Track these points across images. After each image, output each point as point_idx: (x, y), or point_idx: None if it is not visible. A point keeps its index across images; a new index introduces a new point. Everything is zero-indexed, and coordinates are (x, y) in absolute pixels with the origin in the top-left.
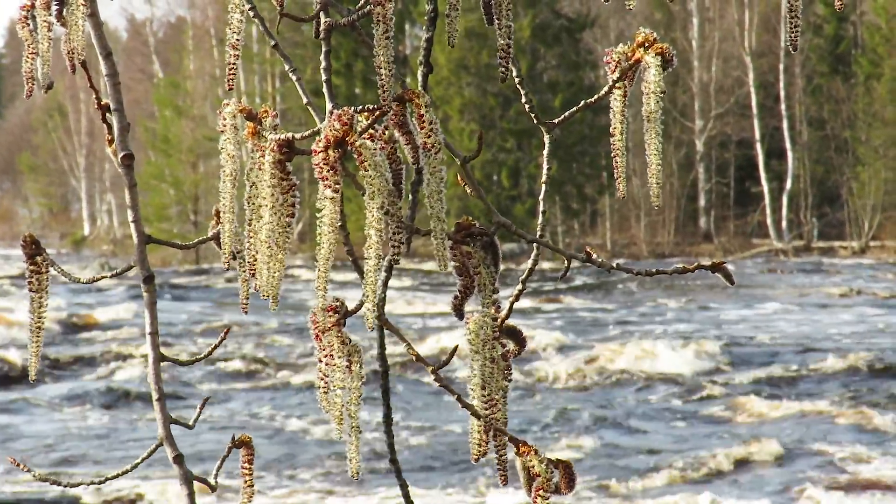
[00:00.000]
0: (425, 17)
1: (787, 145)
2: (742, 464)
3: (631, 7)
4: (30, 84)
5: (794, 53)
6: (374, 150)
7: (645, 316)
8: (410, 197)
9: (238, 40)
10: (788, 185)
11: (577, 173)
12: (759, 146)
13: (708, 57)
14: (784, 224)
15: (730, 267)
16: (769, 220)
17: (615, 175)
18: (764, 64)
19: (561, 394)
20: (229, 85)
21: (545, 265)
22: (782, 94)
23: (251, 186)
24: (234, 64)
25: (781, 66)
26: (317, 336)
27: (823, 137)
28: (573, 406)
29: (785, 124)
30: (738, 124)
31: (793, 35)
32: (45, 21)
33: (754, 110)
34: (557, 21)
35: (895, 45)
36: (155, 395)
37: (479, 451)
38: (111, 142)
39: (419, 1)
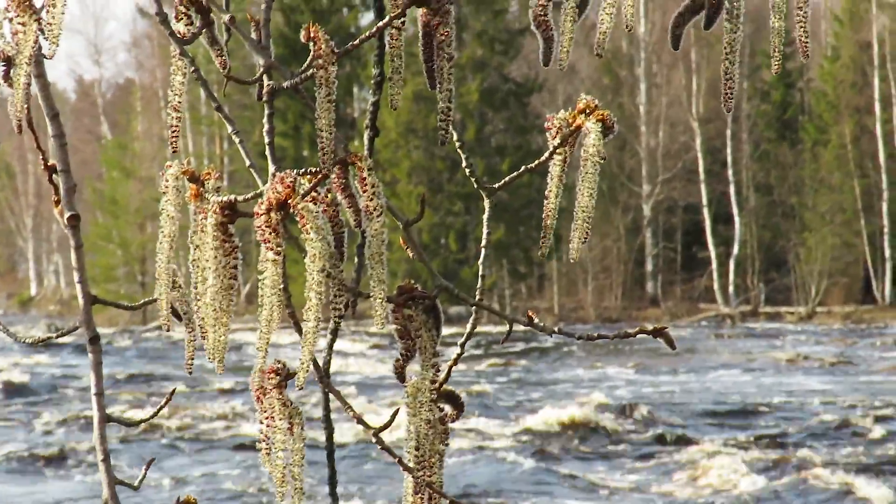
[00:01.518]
0: (371, 81)
1: (735, 210)
2: None
3: (562, 67)
4: None
5: (741, 118)
6: (317, 212)
7: (588, 380)
8: (356, 259)
9: (180, 102)
10: (735, 250)
11: (524, 237)
12: (706, 211)
13: (655, 122)
14: (731, 289)
15: (672, 332)
16: (716, 285)
17: (542, 236)
18: (711, 129)
19: (502, 453)
20: (173, 147)
21: (494, 328)
22: (729, 159)
23: (195, 249)
24: (176, 126)
25: (729, 132)
26: (258, 398)
27: (770, 203)
28: (514, 465)
29: (732, 189)
30: (685, 189)
31: (727, 96)
32: None
33: (701, 175)
34: (505, 85)
35: (842, 112)
36: (100, 456)
37: None
38: (58, 202)
39: (367, 64)
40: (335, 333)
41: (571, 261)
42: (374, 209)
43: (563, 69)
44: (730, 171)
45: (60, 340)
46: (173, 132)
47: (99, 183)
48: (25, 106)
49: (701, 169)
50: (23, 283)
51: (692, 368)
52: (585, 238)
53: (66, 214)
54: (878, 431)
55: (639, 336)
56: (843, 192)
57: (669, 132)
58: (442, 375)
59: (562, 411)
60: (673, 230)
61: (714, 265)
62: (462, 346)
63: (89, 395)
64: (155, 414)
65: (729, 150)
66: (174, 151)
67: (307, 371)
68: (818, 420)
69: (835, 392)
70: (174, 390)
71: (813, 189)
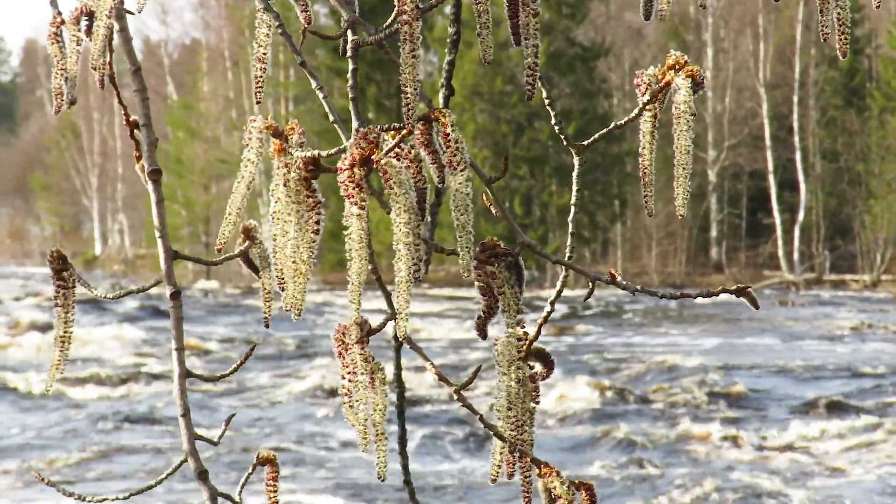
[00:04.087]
0: (448, 40)
1: (800, 177)
2: (759, 491)
3: (663, 17)
4: (58, 100)
5: (807, 84)
6: (400, 168)
7: (656, 345)
8: (430, 219)
9: (265, 54)
10: (801, 217)
11: (588, 201)
12: (771, 178)
13: (722, 88)
14: (796, 256)
15: (741, 298)
16: (781, 252)
17: (643, 194)
18: (778, 95)
19: (576, 418)
20: (257, 98)
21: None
22: (796, 125)
23: (276, 202)
24: (261, 77)
25: (795, 98)
26: (340, 353)
27: (836, 170)
28: (591, 431)
29: (798, 156)
30: (750, 156)
31: (842, 42)
32: (74, 36)
33: (767, 142)
34: (572, 49)
35: None
36: (180, 411)
37: (498, 473)
38: (139, 157)
39: (434, 26)
40: (410, 282)
41: (679, 217)
42: (459, 164)
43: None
44: (796, 138)
45: (130, 298)
46: (258, 83)
47: (164, 143)
48: (107, 60)
49: (767, 135)
50: (87, 243)
51: (756, 335)
52: (687, 196)
53: (148, 168)
54: None
55: (699, 303)
56: None
57: (736, 98)
58: (532, 333)
59: (625, 375)
60: (738, 196)
61: (779, 232)
62: (552, 303)
63: (167, 350)
64: (235, 370)
65: (795, 117)
66: (258, 102)
67: (407, 320)
68: (882, 387)
69: None
70: (253, 347)
71: (880, 156)
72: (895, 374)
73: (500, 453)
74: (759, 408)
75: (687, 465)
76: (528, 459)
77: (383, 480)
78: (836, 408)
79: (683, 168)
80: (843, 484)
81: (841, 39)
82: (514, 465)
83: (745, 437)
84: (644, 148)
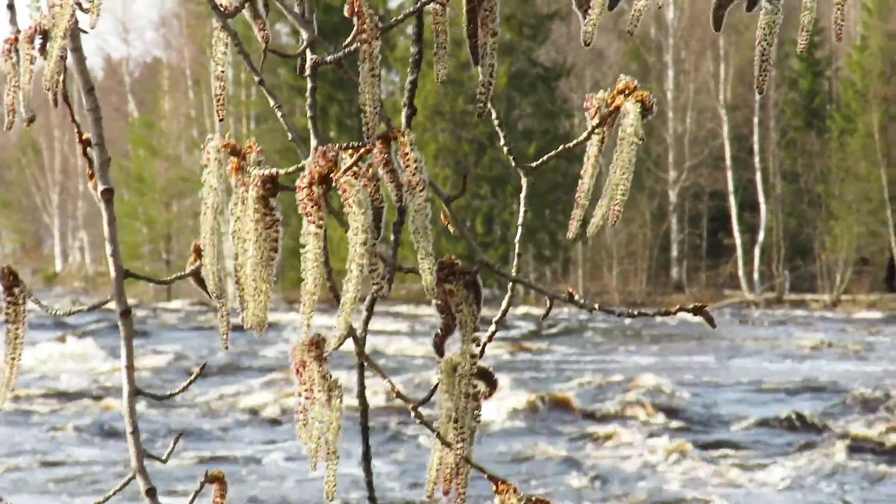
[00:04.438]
0: (410, 60)
1: (761, 198)
2: None
3: (588, 44)
4: (10, 116)
5: (768, 106)
6: (359, 187)
7: (612, 364)
8: (393, 237)
9: (223, 72)
10: (761, 237)
11: (550, 220)
12: (732, 198)
13: (683, 108)
14: (756, 276)
15: (698, 318)
16: (741, 272)
17: (572, 215)
18: (738, 117)
19: (521, 432)
20: (219, 116)
21: (514, 311)
22: (756, 146)
23: (235, 221)
24: (220, 94)
25: (756, 120)
26: (297, 370)
27: (797, 191)
28: (533, 445)
29: (758, 177)
30: (711, 176)
31: (761, 79)
32: (27, 54)
33: (728, 162)
34: (534, 69)
35: (869, 102)
36: (129, 429)
37: (433, 488)
38: (91, 176)
39: (395, 46)
40: (371, 310)
41: (588, 235)
42: (418, 184)
43: (594, 53)
44: (756, 159)
45: (87, 315)
46: (218, 100)
47: (125, 161)
48: (60, 79)
49: (728, 156)
50: (48, 260)
51: (715, 354)
52: (616, 218)
53: (101, 188)
54: None
55: (659, 322)
56: (869, 181)
57: (697, 119)
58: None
59: (580, 394)
60: (699, 216)
61: (739, 252)
62: (497, 322)
63: (118, 368)
64: (184, 388)
65: (756, 138)
66: (220, 120)
67: (342, 338)
68: (841, 405)
69: (858, 379)
70: (204, 365)
71: (839, 178)
72: (853, 392)
73: (437, 469)
74: (709, 424)
75: (630, 480)
76: (467, 476)
77: (331, 500)
78: (794, 425)
79: (614, 188)
80: (792, 499)
81: (760, 75)
82: (450, 481)
83: (694, 452)
84: (585, 170)
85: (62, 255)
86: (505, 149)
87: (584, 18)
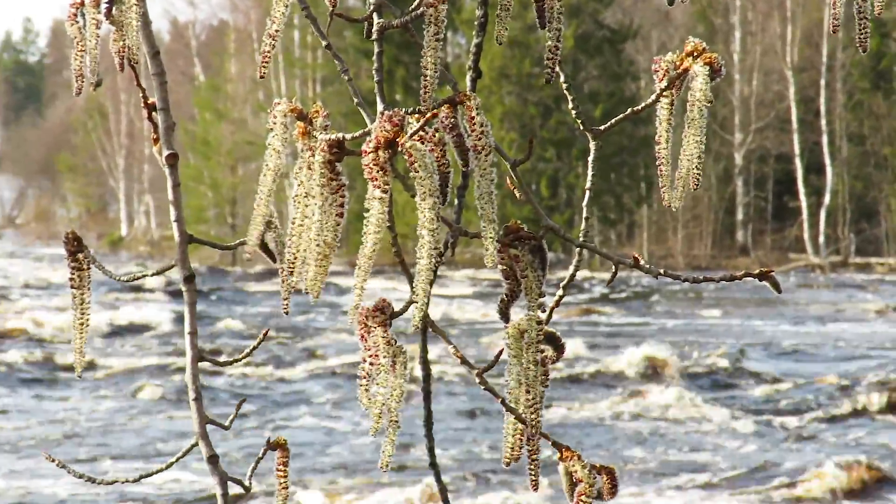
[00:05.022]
0: (476, 23)
1: (827, 160)
2: (779, 470)
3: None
4: (79, 81)
5: (835, 68)
6: (425, 151)
7: (679, 328)
8: (456, 202)
9: (277, 30)
10: (827, 200)
11: (615, 184)
12: (798, 161)
13: (749, 70)
14: (821, 239)
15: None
16: (806, 235)
17: (659, 183)
18: (805, 79)
19: (598, 398)
20: (261, 73)
21: (577, 276)
22: (823, 109)
23: (298, 185)
24: (268, 52)
25: (823, 82)
26: (362, 336)
27: (863, 153)
28: (612, 413)
29: (825, 139)
30: (777, 139)
31: (862, 36)
32: (94, 18)
33: (794, 125)
34: (600, 32)
35: None
36: (192, 395)
37: (513, 456)
38: (156, 140)
39: (462, 8)
40: (434, 272)
41: (674, 209)
42: (484, 148)
43: (661, 16)
44: (823, 121)
45: (152, 280)
46: (265, 58)
47: (191, 124)
48: (127, 43)
49: (794, 118)
50: (113, 224)
51: (781, 318)
52: (697, 183)
53: (165, 153)
54: None
55: (722, 286)
56: None
57: (763, 81)
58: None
59: (649, 356)
60: (764, 179)
61: (805, 215)
62: (564, 287)
63: (181, 334)
64: (248, 354)
65: (822, 100)
66: (261, 77)
67: (424, 308)
68: None
69: None
70: (267, 331)
71: None
72: None
73: (513, 436)
74: (779, 388)
75: (697, 446)
76: (538, 443)
77: (386, 470)
78: (859, 389)
79: (689, 160)
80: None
81: (861, 32)
82: (520, 448)
83: (757, 416)
84: (660, 136)
85: (127, 219)
86: (573, 112)
87: None
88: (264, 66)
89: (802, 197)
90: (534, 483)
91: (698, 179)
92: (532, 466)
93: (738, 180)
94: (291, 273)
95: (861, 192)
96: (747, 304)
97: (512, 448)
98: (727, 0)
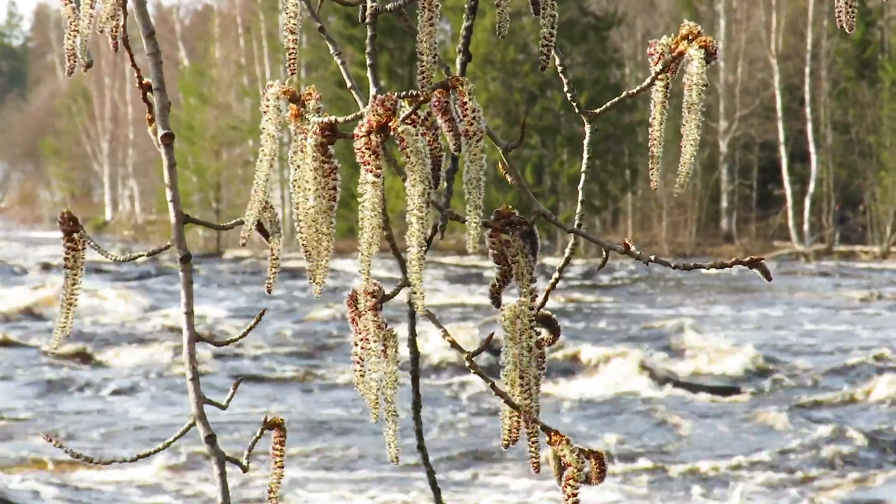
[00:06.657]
0: (466, 6)
1: (811, 148)
2: (764, 465)
3: None
4: (71, 61)
5: (819, 56)
6: (417, 136)
7: (667, 316)
8: (445, 185)
9: (295, 24)
10: (811, 188)
11: (599, 170)
12: (782, 149)
13: (734, 58)
14: (806, 227)
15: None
16: (791, 223)
17: (650, 165)
18: (790, 67)
19: (588, 385)
20: (290, 70)
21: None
22: (807, 97)
23: (297, 169)
24: (293, 48)
25: (807, 70)
26: (353, 319)
27: (847, 142)
28: (600, 398)
29: (809, 127)
30: (762, 126)
31: (848, 16)
32: None
33: (779, 113)
34: (584, 19)
35: None
36: (189, 375)
37: (510, 439)
38: (151, 120)
39: None
40: (423, 255)
41: (678, 191)
42: (475, 133)
43: (645, 3)
44: (807, 109)
45: (142, 263)
46: (291, 54)
47: (176, 109)
48: (120, 24)
49: (779, 106)
50: (97, 208)
51: (765, 306)
52: (691, 170)
53: (160, 133)
54: None
55: (706, 273)
56: None
57: (748, 69)
58: (539, 301)
59: (631, 346)
60: (749, 167)
61: (789, 203)
62: (560, 271)
63: (176, 315)
64: (244, 335)
65: (807, 88)
66: (292, 73)
67: (422, 297)
68: (889, 357)
69: None
70: (263, 311)
71: (891, 128)
72: None
73: (510, 419)
74: (760, 375)
75: (685, 433)
76: (538, 426)
77: (397, 463)
78: (842, 375)
79: (691, 144)
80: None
81: (846, 13)
82: (518, 431)
83: (747, 404)
84: (654, 119)
85: (112, 203)
86: (569, 95)
87: None
88: (292, 63)
89: (787, 185)
90: (535, 465)
91: (692, 166)
92: (532, 449)
93: (722, 168)
94: (307, 256)
95: (845, 180)
96: (730, 292)
97: (509, 430)
98: None
